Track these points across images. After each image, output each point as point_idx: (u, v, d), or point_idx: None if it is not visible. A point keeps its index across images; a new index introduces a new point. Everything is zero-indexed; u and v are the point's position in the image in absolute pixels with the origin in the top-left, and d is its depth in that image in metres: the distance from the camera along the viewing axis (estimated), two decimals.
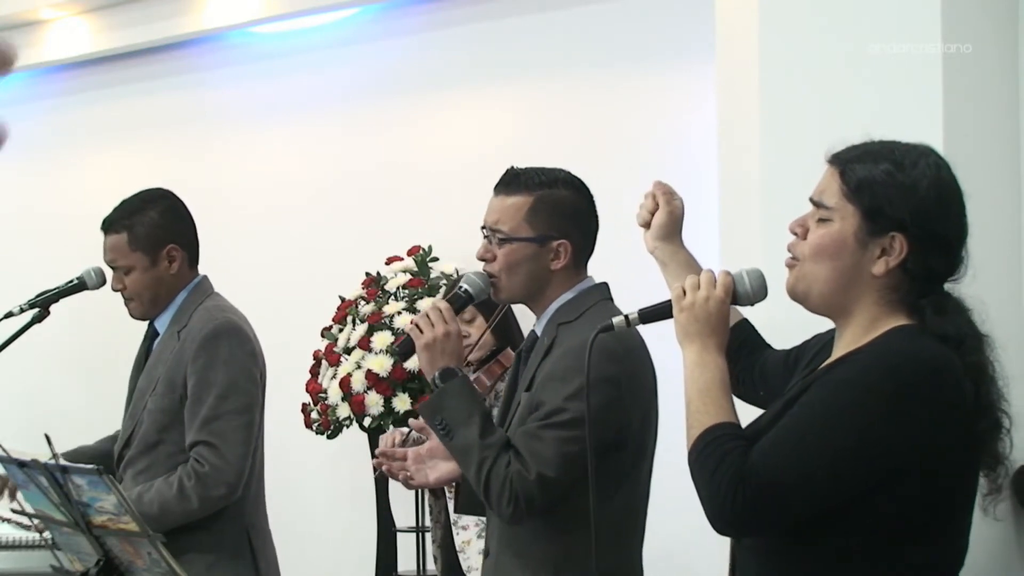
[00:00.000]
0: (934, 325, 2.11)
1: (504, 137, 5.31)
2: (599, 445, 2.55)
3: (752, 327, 2.66)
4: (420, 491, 4.88)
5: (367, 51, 5.74)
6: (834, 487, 2.05)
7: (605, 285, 2.82)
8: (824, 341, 2.33)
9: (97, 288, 3.71)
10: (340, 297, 5.13)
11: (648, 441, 2.75)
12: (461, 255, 4.85)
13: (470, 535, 4.05)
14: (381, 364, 4.77)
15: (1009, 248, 3.40)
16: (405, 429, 3.78)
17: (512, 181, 2.77)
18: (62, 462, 2.86)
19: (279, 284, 5.79)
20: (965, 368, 2.10)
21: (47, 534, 3.14)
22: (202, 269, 3.61)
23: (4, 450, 2.99)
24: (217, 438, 3.34)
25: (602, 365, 2.53)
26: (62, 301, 3.70)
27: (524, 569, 2.70)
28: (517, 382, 2.81)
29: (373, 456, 3.09)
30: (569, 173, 2.82)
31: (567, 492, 2.62)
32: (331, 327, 5.09)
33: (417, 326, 2.72)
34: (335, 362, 4.94)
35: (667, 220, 2.67)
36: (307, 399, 5.08)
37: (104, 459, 3.43)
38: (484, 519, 3.05)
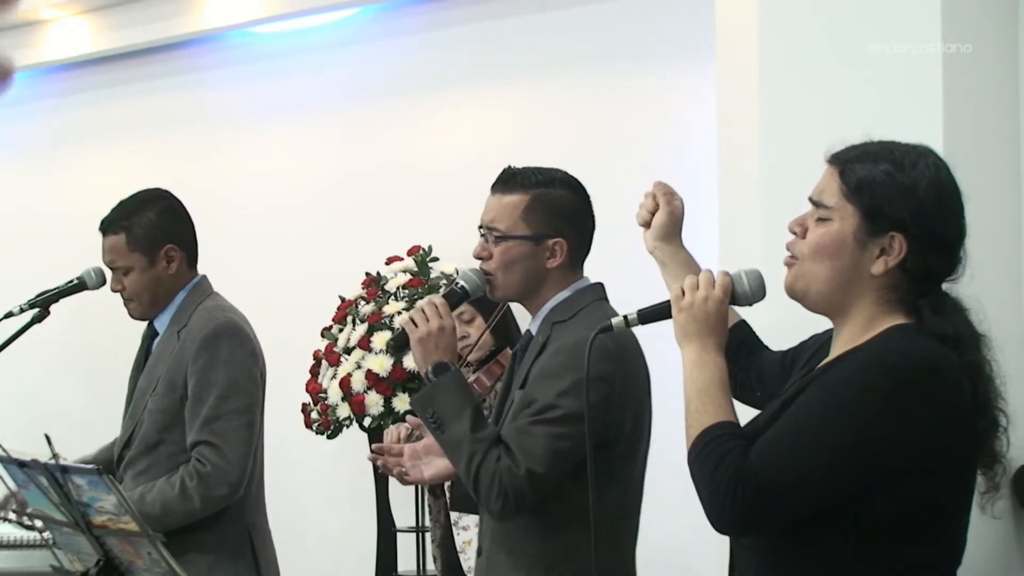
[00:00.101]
0: (932, 324, 2.12)
1: (504, 137, 5.31)
2: (593, 443, 2.55)
3: (750, 328, 2.66)
4: (420, 491, 4.88)
5: (367, 51, 5.74)
6: (832, 486, 2.06)
7: (600, 285, 2.83)
8: (821, 341, 2.33)
9: (97, 288, 3.70)
10: (340, 297, 5.13)
11: (641, 441, 2.76)
12: (461, 255, 4.84)
13: (471, 535, 4.05)
14: (381, 364, 4.77)
15: (1009, 248, 3.40)
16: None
17: (509, 180, 2.78)
18: (62, 462, 2.86)
19: (279, 284, 5.79)
20: (963, 367, 2.10)
21: (47, 534, 3.14)
22: (202, 269, 3.61)
23: (4, 450, 2.99)
24: (218, 438, 3.34)
25: (596, 363, 2.53)
26: (62, 301, 3.70)
27: (516, 567, 2.70)
28: (512, 380, 2.81)
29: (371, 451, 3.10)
30: (566, 173, 2.83)
31: (557, 488, 2.63)
32: (331, 327, 5.09)
33: (412, 320, 2.73)
34: (335, 362, 4.94)
35: (667, 220, 2.67)
36: (307, 399, 5.08)
37: (105, 467, 3.43)
38: None
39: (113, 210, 3.54)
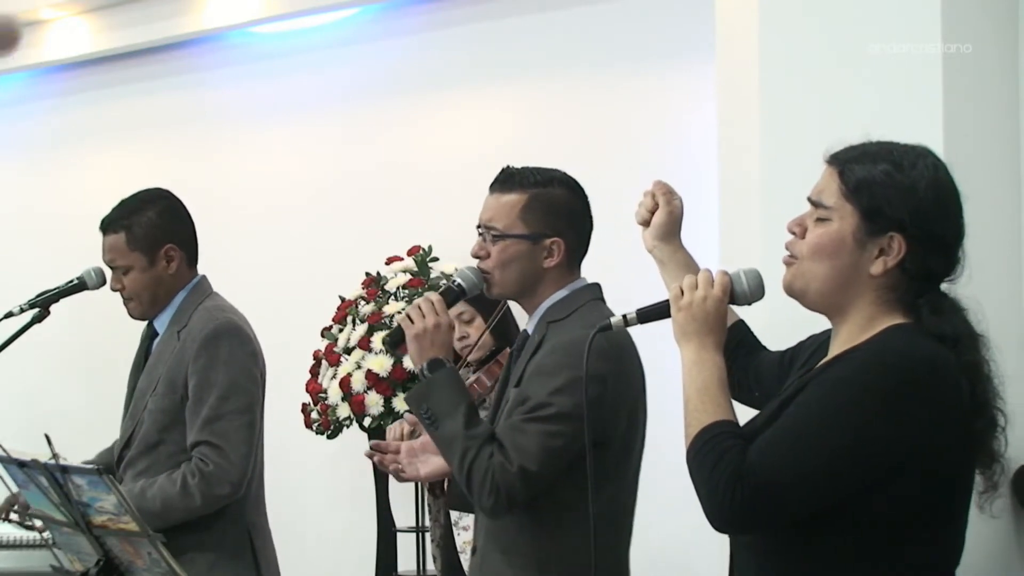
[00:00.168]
0: (931, 324, 2.13)
1: (504, 137, 5.31)
2: (585, 441, 2.57)
3: (747, 328, 2.66)
4: (420, 491, 4.88)
5: (367, 51, 5.74)
6: (831, 485, 2.06)
7: (597, 286, 2.83)
8: (820, 341, 2.34)
9: (97, 288, 3.71)
10: (340, 297, 5.13)
11: (635, 441, 2.76)
12: (461, 255, 4.81)
13: (471, 535, 4.05)
14: (381, 364, 4.77)
15: (1009, 248, 3.40)
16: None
17: (507, 179, 2.79)
18: (62, 462, 2.86)
19: (279, 284, 5.79)
20: (961, 367, 2.11)
21: (47, 534, 3.14)
22: (202, 269, 3.61)
23: (4, 450, 2.99)
24: (220, 438, 3.34)
25: (591, 362, 2.53)
26: (62, 301, 3.70)
27: (510, 565, 2.71)
28: (508, 379, 2.82)
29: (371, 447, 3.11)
30: (565, 173, 2.83)
31: (551, 487, 2.63)
32: (331, 327, 5.09)
33: (408, 317, 2.74)
34: (335, 362, 4.94)
35: (666, 220, 2.68)
36: (307, 399, 5.08)
37: (105, 469, 3.43)
38: None
39: (113, 209, 3.54)
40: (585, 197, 2.84)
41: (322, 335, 5.10)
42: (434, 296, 2.76)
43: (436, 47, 5.55)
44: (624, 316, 2.35)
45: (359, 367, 4.82)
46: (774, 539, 2.14)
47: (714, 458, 2.08)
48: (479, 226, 2.80)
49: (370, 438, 4.89)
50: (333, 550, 5.68)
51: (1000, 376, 2.16)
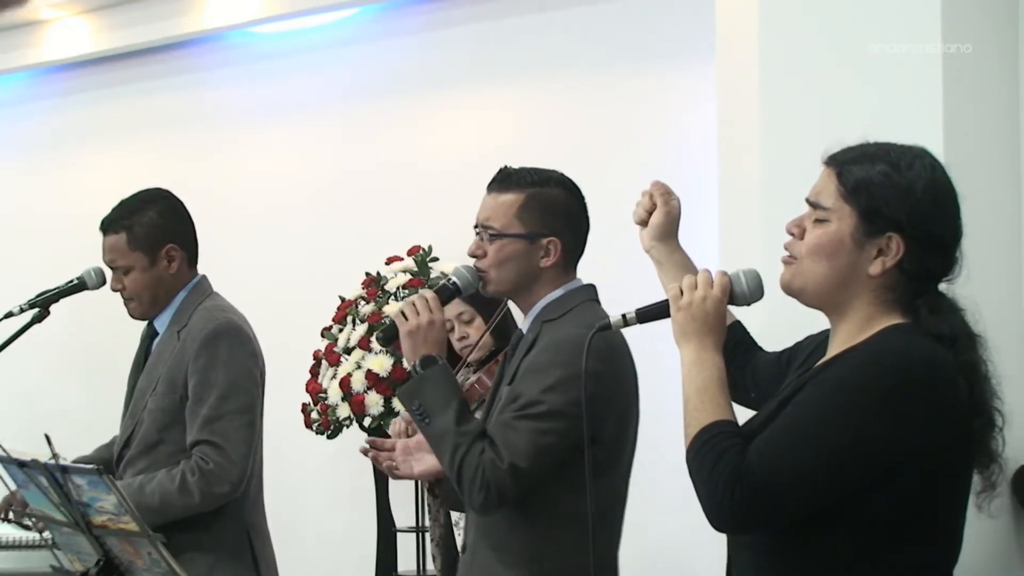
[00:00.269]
0: (929, 324, 2.13)
1: (504, 137, 5.31)
2: (576, 440, 2.58)
3: (744, 329, 2.67)
4: (420, 491, 4.88)
5: (367, 51, 5.74)
6: (830, 485, 2.06)
7: (592, 287, 2.84)
8: (817, 342, 2.34)
9: (97, 288, 3.71)
10: (340, 297, 5.13)
11: (625, 441, 2.77)
12: (461, 255, 4.82)
13: None
14: (381, 364, 4.77)
15: (1009, 248, 3.40)
16: None
17: (505, 179, 2.80)
18: (62, 462, 2.86)
19: (279, 284, 5.79)
20: (959, 367, 2.11)
21: (47, 534, 3.14)
22: (202, 269, 3.62)
23: (4, 450, 2.99)
24: (220, 437, 3.35)
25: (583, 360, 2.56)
26: (62, 301, 3.70)
27: (500, 562, 2.72)
28: (502, 377, 2.83)
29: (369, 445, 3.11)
30: (562, 174, 2.84)
31: (541, 484, 2.64)
32: (331, 327, 5.09)
33: (403, 313, 2.74)
34: (335, 362, 4.94)
35: (664, 220, 2.68)
36: (307, 399, 5.08)
37: (104, 467, 3.43)
38: None
39: (114, 209, 3.54)
40: (582, 198, 2.84)
41: (322, 335, 5.10)
42: (428, 293, 2.78)
43: (436, 47, 5.54)
44: (623, 316, 2.36)
45: (359, 367, 4.82)
46: (773, 539, 2.15)
47: (713, 458, 2.08)
48: (476, 226, 2.81)
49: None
50: (333, 550, 5.68)
51: (998, 376, 2.16)
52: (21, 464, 2.90)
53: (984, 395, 2.14)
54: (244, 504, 3.43)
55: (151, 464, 3.42)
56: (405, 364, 4.67)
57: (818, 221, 2.19)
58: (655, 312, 2.32)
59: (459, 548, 4.09)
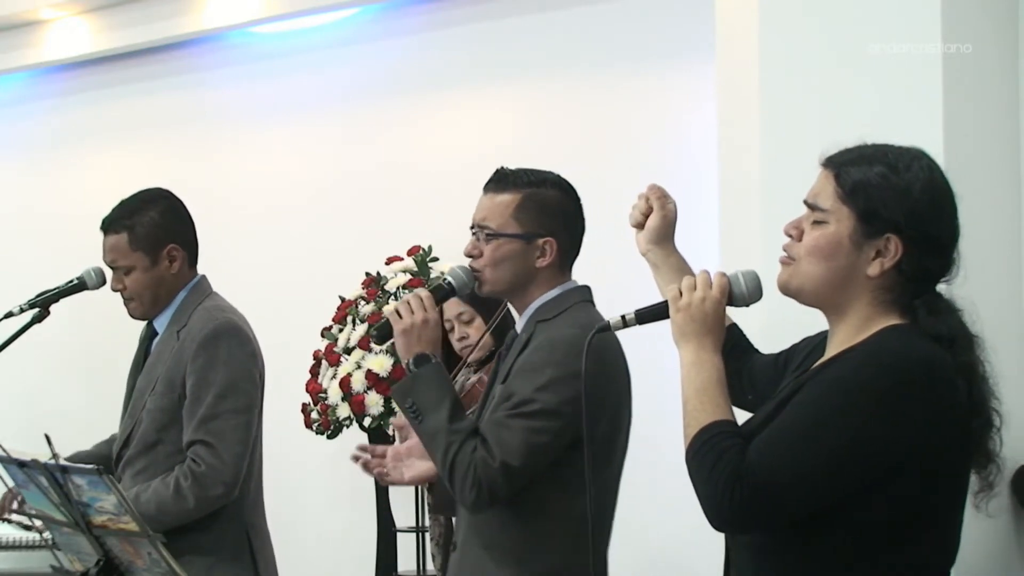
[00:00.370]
0: (927, 325, 2.14)
1: (504, 137, 5.31)
2: (568, 439, 2.60)
3: (741, 331, 2.67)
4: (420, 491, 4.88)
5: (367, 51, 5.74)
6: (830, 485, 2.07)
7: (587, 288, 2.85)
8: (814, 343, 2.35)
9: (97, 288, 3.71)
10: (340, 297, 5.13)
11: (617, 442, 2.77)
12: (461, 255, 4.85)
13: None
14: (381, 364, 4.77)
15: (1009, 248, 3.40)
16: None
17: (501, 180, 2.81)
18: (62, 462, 2.86)
19: (279, 284, 5.79)
20: (957, 367, 2.12)
21: (47, 534, 3.14)
22: (202, 269, 3.62)
23: (4, 450, 2.99)
24: (214, 437, 3.34)
25: (576, 361, 2.56)
26: (62, 301, 3.70)
27: (491, 560, 2.73)
28: (496, 377, 2.84)
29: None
30: (558, 175, 2.85)
31: (533, 483, 2.65)
32: (331, 327, 5.09)
33: (397, 311, 2.75)
34: (335, 362, 4.94)
35: (661, 224, 2.69)
36: (307, 399, 5.08)
37: (102, 462, 3.42)
38: None
39: (114, 209, 3.54)
40: (578, 199, 2.85)
41: (322, 335, 5.10)
42: (423, 292, 2.79)
43: (436, 47, 5.54)
44: (623, 317, 2.36)
45: (359, 367, 4.82)
46: (773, 539, 2.15)
47: (713, 458, 2.08)
48: (472, 226, 2.82)
49: (370, 438, 4.89)
50: (333, 550, 5.68)
51: (995, 376, 2.17)
52: (21, 464, 2.90)
53: (982, 395, 2.14)
54: (243, 504, 3.43)
55: (150, 464, 3.42)
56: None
57: (816, 223, 2.19)
58: (654, 313, 2.32)
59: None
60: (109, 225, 3.52)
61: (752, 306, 2.32)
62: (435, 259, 5.09)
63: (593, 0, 5.12)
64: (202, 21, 5.95)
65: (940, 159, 2.25)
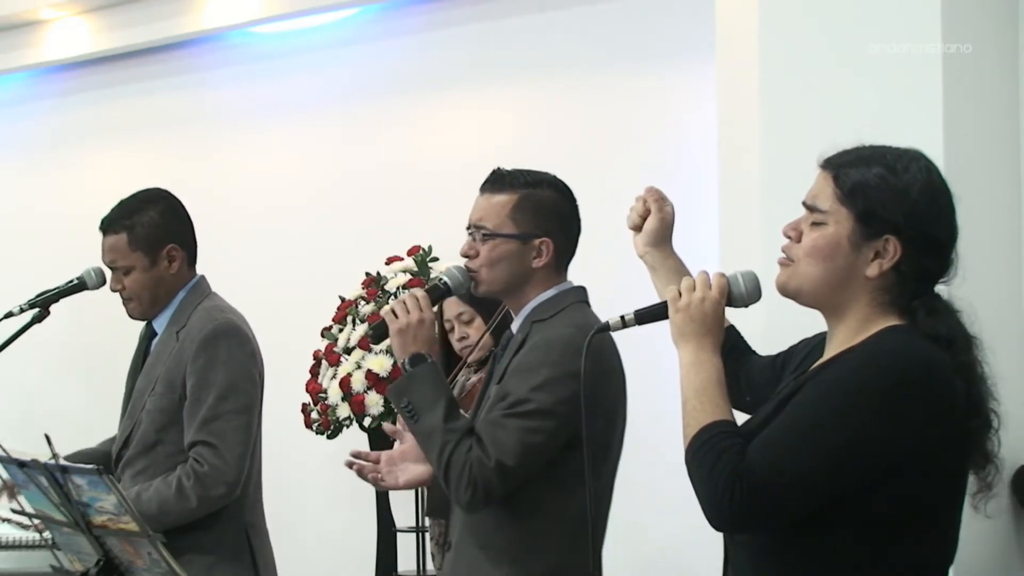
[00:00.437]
0: (926, 325, 2.14)
1: (504, 137, 5.31)
2: (564, 439, 2.61)
3: (738, 333, 2.68)
4: (420, 491, 4.88)
5: (367, 51, 5.74)
6: (829, 485, 2.07)
7: (583, 289, 2.85)
8: (812, 345, 2.35)
9: (97, 288, 3.70)
10: (340, 297, 5.13)
11: (612, 442, 2.78)
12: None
13: None
14: (381, 364, 4.77)
15: (1009, 248, 3.40)
16: None
17: (498, 180, 2.82)
18: (62, 462, 2.86)
19: (279, 284, 5.79)
20: (956, 367, 2.12)
21: (47, 534, 3.14)
22: (202, 269, 3.61)
23: (4, 450, 2.99)
24: (216, 438, 3.34)
25: (571, 361, 2.58)
26: (62, 301, 3.70)
27: (486, 560, 2.73)
28: (491, 377, 2.84)
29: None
30: (554, 176, 2.86)
31: (528, 483, 2.65)
32: (331, 327, 5.09)
33: (392, 311, 2.75)
34: (335, 362, 4.94)
35: (658, 226, 2.69)
36: (307, 399, 5.08)
37: (106, 460, 3.43)
38: None
39: (113, 210, 3.53)
40: (574, 200, 2.85)
41: (322, 335, 5.10)
42: (419, 292, 2.79)
43: (436, 47, 5.55)
44: (622, 317, 2.36)
45: (359, 367, 4.82)
46: (772, 538, 2.15)
47: (713, 457, 2.08)
48: (469, 226, 2.83)
49: (370, 438, 4.90)
50: (333, 550, 5.68)
51: (994, 377, 2.17)
52: (21, 464, 2.90)
53: (980, 396, 2.14)
54: (243, 504, 3.43)
55: (149, 464, 3.42)
56: None
57: (815, 224, 2.19)
58: (654, 314, 2.32)
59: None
60: (108, 225, 3.52)
61: (751, 307, 2.32)
62: (435, 259, 5.09)
63: (593, 0, 5.12)
64: (202, 21, 5.95)
65: (940, 159, 2.25)
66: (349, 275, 5.18)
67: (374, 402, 4.78)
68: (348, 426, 4.92)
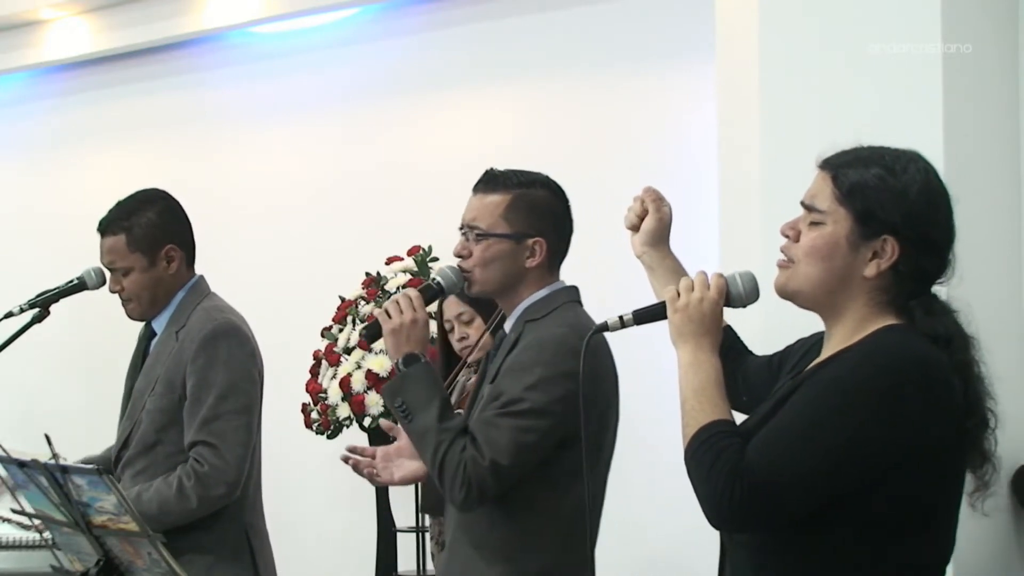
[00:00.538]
0: (924, 325, 2.15)
1: (504, 137, 5.32)
2: (557, 439, 2.62)
3: (735, 333, 2.68)
4: (419, 490, 4.88)
5: (367, 51, 5.74)
6: (828, 484, 2.07)
7: (575, 289, 2.86)
8: (809, 345, 2.35)
9: (97, 288, 3.70)
10: (340, 297, 5.13)
11: (604, 441, 2.78)
12: None
13: None
14: (381, 364, 4.77)
15: (1009, 248, 3.40)
16: None
17: (491, 180, 2.82)
18: (62, 462, 2.85)
19: (279, 284, 5.79)
20: (953, 367, 2.13)
21: (47, 534, 3.14)
22: (202, 269, 3.61)
23: (4, 450, 2.99)
24: (216, 438, 3.34)
25: (564, 360, 2.59)
26: (62, 301, 3.70)
27: (480, 560, 2.73)
28: (485, 377, 2.84)
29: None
30: (547, 176, 2.86)
31: (522, 482, 2.66)
32: (331, 327, 5.09)
33: (386, 311, 2.76)
34: (335, 362, 4.94)
35: (656, 226, 2.69)
36: (307, 399, 5.08)
37: (107, 464, 3.43)
38: None
39: (111, 210, 3.53)
40: (567, 200, 2.86)
41: (322, 335, 5.10)
42: (412, 292, 2.79)
43: (436, 47, 5.55)
44: (621, 317, 2.36)
45: (359, 367, 4.83)
46: (771, 537, 2.15)
47: (712, 457, 2.09)
48: (462, 226, 2.83)
49: (370, 438, 4.90)
50: (333, 550, 5.68)
51: (991, 376, 2.18)
52: (21, 464, 2.89)
53: (978, 395, 2.15)
54: (243, 505, 3.43)
55: (149, 464, 3.42)
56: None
57: (813, 224, 2.20)
58: (652, 314, 2.32)
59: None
60: (106, 226, 3.51)
61: (750, 307, 2.32)
62: (435, 259, 5.09)
63: (593, 0, 5.12)
64: (202, 21, 5.95)
65: (940, 159, 2.26)
66: (349, 275, 5.18)
67: (374, 402, 4.78)
68: (348, 426, 4.92)
